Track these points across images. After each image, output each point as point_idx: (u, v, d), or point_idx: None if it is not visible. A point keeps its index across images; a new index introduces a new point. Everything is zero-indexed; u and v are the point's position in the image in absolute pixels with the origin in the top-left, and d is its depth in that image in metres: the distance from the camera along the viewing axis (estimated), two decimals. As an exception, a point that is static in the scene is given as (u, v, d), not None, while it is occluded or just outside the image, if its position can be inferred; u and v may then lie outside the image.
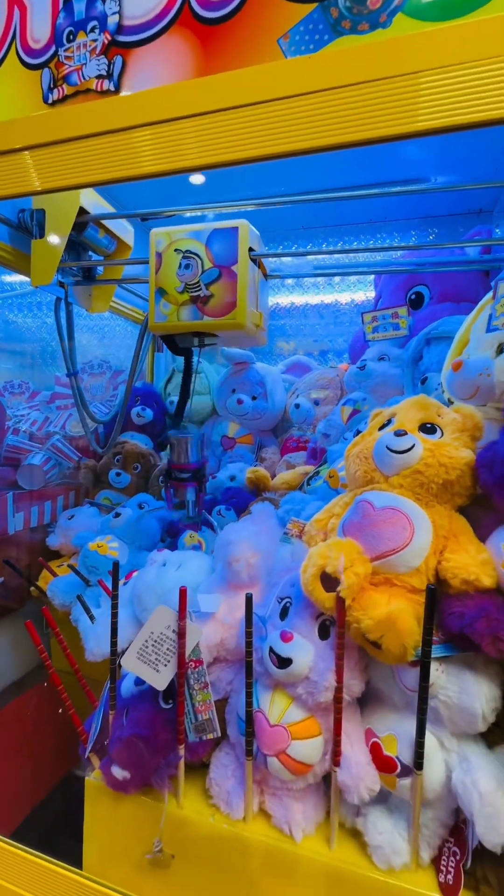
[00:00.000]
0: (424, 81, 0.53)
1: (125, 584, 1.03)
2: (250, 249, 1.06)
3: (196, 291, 1.06)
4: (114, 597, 0.75)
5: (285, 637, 0.66)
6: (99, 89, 0.66)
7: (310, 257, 1.88)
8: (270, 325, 2.06)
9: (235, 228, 1.05)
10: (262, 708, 0.68)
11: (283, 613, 0.71)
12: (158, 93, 0.63)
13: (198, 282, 1.06)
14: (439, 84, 0.53)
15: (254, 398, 1.67)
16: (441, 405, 0.74)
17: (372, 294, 1.80)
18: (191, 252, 1.06)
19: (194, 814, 0.72)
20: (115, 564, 0.75)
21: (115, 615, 0.76)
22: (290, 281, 2.10)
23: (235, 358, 1.69)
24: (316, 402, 1.62)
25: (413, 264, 1.37)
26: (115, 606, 0.76)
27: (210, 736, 0.72)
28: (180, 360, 1.90)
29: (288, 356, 1.92)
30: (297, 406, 1.61)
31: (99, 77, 0.65)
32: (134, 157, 0.65)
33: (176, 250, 1.07)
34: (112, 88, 0.65)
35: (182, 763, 0.71)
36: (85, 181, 0.68)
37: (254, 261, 1.10)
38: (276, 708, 0.67)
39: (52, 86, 0.68)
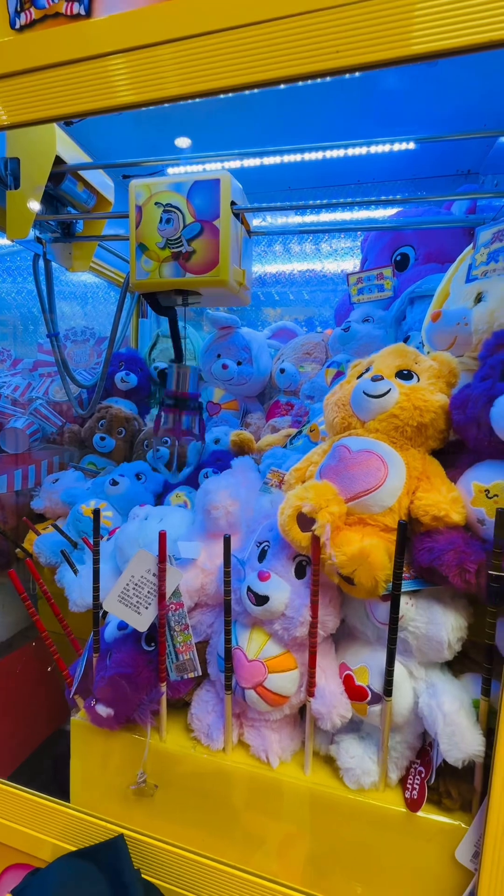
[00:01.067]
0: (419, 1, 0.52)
1: (108, 540, 1.04)
2: (232, 203, 1.04)
3: (178, 247, 1.03)
4: (95, 543, 0.76)
5: (262, 576, 0.68)
6: (69, 13, 0.63)
7: (296, 220, 1.85)
8: (258, 292, 2.04)
9: (217, 181, 1.01)
10: (240, 645, 0.70)
11: (262, 556, 0.73)
12: (133, 16, 0.60)
13: (179, 237, 1.03)
14: (434, 4, 0.51)
15: (239, 363, 1.67)
16: (418, 353, 0.74)
17: (359, 262, 1.78)
18: (172, 206, 1.03)
19: (176, 747, 0.75)
20: (96, 511, 0.76)
21: (96, 562, 0.77)
22: (277, 248, 2.07)
23: (220, 322, 1.67)
24: (301, 367, 1.62)
25: (398, 223, 1.36)
26: (96, 553, 0.77)
27: (191, 675, 0.75)
28: (165, 325, 1.88)
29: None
30: (283, 371, 1.60)
31: (68, 0, 0.62)
32: (108, 87, 0.62)
33: (156, 203, 1.04)
34: (83, 12, 0.62)
35: (164, 699, 0.74)
36: (55, 114, 0.65)
37: (237, 216, 1.08)
38: (253, 644, 0.70)
39: (18, 9, 0.64)
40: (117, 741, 0.78)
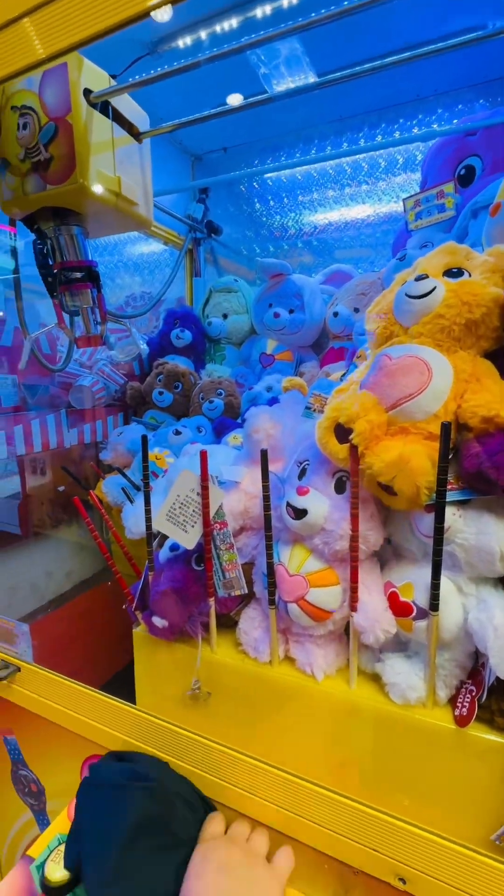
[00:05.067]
0: None
1: (163, 476, 1.10)
2: (87, 91, 0.83)
3: (36, 155, 0.86)
4: (144, 468, 0.81)
5: (301, 491, 0.67)
6: None
7: (327, 163, 1.73)
8: (311, 240, 1.95)
9: (63, 65, 0.79)
10: (282, 561, 0.71)
11: (301, 474, 0.72)
12: None
13: (36, 143, 0.85)
14: None
15: (291, 311, 1.63)
16: (471, 250, 0.67)
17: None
18: (27, 107, 0.85)
19: (226, 658, 0.79)
20: (144, 437, 0.80)
21: (147, 485, 0.81)
22: (330, 193, 1.96)
23: (271, 270, 1.64)
24: (356, 310, 1.55)
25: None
26: (146, 477, 0.81)
27: (237, 592, 0.77)
28: (218, 280, 1.87)
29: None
30: (336, 314, 1.54)
31: None
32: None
33: (13, 108, 0.85)
34: None
35: (213, 611, 0.78)
36: (90, 33, 0.65)
37: (103, 109, 0.87)
38: (295, 560, 0.70)
39: None
40: (173, 652, 0.83)
